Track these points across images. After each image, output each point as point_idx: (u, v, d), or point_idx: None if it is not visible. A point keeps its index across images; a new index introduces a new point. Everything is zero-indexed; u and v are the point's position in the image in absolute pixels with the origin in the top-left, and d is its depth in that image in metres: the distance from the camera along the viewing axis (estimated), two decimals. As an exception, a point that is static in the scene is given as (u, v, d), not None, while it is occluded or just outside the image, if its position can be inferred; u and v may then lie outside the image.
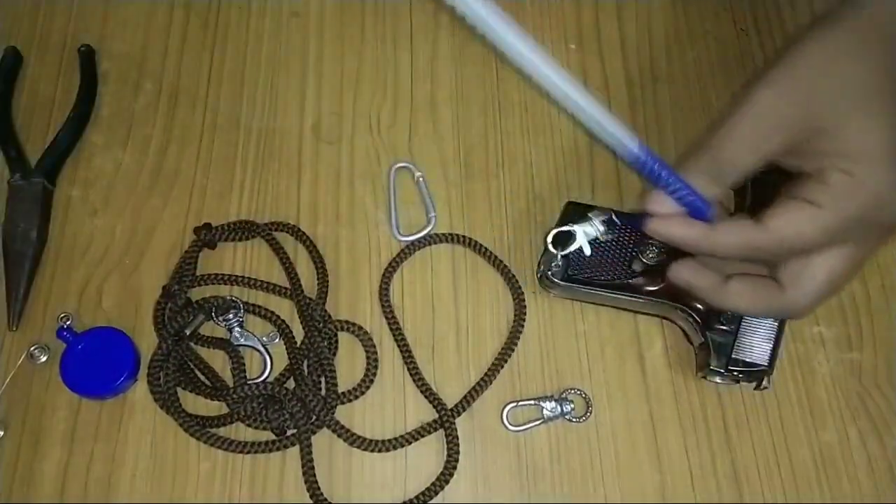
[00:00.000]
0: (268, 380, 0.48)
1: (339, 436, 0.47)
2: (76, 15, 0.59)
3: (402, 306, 0.51)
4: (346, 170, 0.55)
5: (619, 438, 0.48)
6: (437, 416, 0.48)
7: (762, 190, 0.43)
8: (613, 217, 0.46)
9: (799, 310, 0.42)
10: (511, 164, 0.55)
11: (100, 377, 0.47)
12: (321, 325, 0.49)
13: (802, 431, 0.49)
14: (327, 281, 0.51)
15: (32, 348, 0.48)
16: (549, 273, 0.48)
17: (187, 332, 0.48)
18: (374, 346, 0.49)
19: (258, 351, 0.49)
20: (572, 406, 0.48)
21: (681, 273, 0.45)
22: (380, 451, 0.47)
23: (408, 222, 0.53)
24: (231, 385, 0.48)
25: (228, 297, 0.50)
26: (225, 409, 0.47)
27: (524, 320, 0.50)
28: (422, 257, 0.52)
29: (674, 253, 0.45)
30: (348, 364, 0.49)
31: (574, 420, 0.48)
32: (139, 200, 0.53)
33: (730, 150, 0.39)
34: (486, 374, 0.49)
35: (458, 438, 0.47)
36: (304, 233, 0.52)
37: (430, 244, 0.52)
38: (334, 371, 0.48)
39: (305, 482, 0.46)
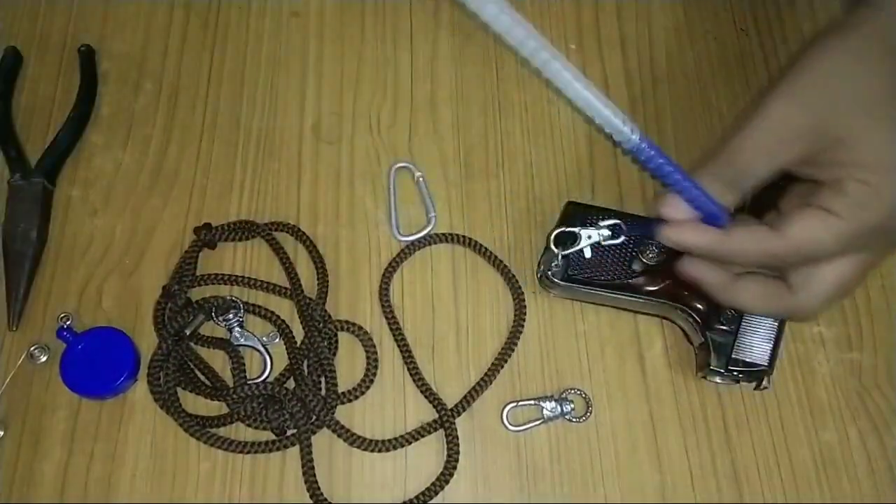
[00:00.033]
0: (268, 380, 0.48)
1: (339, 436, 0.47)
2: (76, 15, 0.59)
3: (402, 306, 0.51)
4: (346, 170, 0.55)
5: (619, 438, 0.48)
6: (437, 416, 0.48)
7: (762, 191, 0.43)
8: (622, 225, 0.46)
9: (807, 313, 0.43)
10: (511, 164, 0.55)
11: (100, 377, 0.47)
12: (321, 325, 0.49)
13: (802, 431, 0.49)
14: (327, 281, 0.51)
15: (32, 348, 0.48)
16: (549, 273, 0.48)
17: (187, 332, 0.48)
18: (374, 346, 0.49)
19: (258, 351, 0.49)
20: (572, 406, 0.48)
21: (691, 268, 0.44)
22: (380, 451, 0.47)
23: (408, 222, 0.53)
24: (231, 385, 0.48)
25: (228, 297, 0.50)
26: (225, 409, 0.47)
27: (524, 320, 0.50)
28: (422, 257, 0.52)
29: (674, 253, 0.45)
30: (348, 364, 0.49)
31: (574, 420, 0.48)
32: (139, 200, 0.53)
33: (746, 159, 0.39)
34: (486, 374, 0.49)
35: (458, 438, 0.47)
36: (304, 233, 0.52)
37: (430, 244, 0.52)
38: (334, 371, 0.48)
39: (305, 482, 0.46)
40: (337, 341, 0.49)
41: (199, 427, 0.46)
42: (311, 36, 0.59)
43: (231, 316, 0.49)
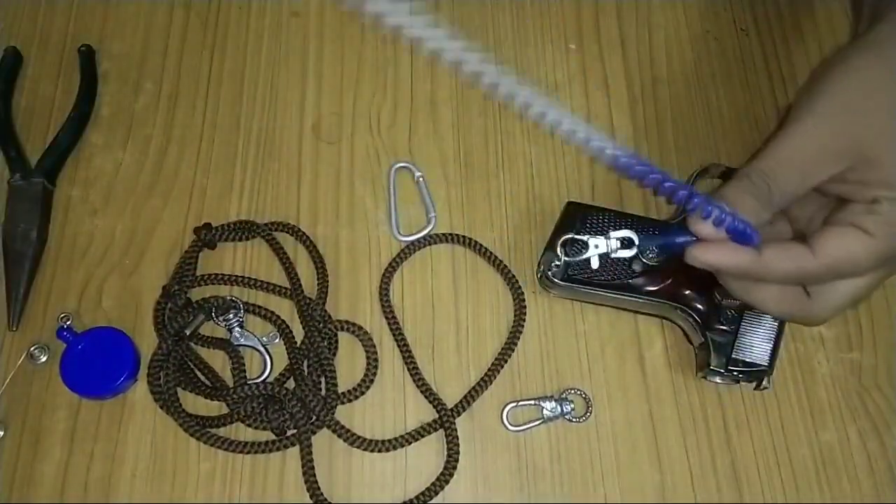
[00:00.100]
0: (268, 380, 0.48)
1: (339, 436, 0.47)
2: (76, 15, 0.59)
3: (402, 306, 0.51)
4: (346, 170, 0.55)
5: (619, 438, 0.48)
6: (437, 416, 0.48)
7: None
8: (633, 238, 0.45)
9: (819, 319, 0.43)
10: (511, 164, 0.55)
11: (100, 377, 0.47)
12: (321, 325, 0.49)
13: (802, 431, 0.49)
14: (327, 281, 0.51)
15: (32, 348, 0.48)
16: (549, 273, 0.48)
17: (187, 332, 0.48)
18: (374, 346, 0.49)
19: (258, 351, 0.49)
20: (572, 406, 0.48)
21: (709, 255, 0.41)
22: (380, 451, 0.47)
23: (408, 222, 0.53)
24: (231, 385, 0.48)
25: (228, 297, 0.50)
26: (225, 409, 0.47)
27: (524, 320, 0.50)
28: (422, 257, 0.52)
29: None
30: (348, 364, 0.49)
31: (574, 420, 0.48)
32: (139, 200, 0.53)
33: (779, 178, 0.39)
34: (486, 374, 0.49)
35: (458, 438, 0.47)
36: (304, 233, 0.52)
37: (430, 244, 0.52)
38: (334, 371, 0.48)
39: (305, 482, 0.46)
40: (337, 341, 0.49)
41: (199, 427, 0.46)
42: (311, 36, 0.59)
43: (231, 316, 0.49)
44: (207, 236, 0.51)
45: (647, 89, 0.58)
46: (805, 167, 0.39)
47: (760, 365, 0.46)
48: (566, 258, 0.47)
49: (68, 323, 0.49)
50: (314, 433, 0.47)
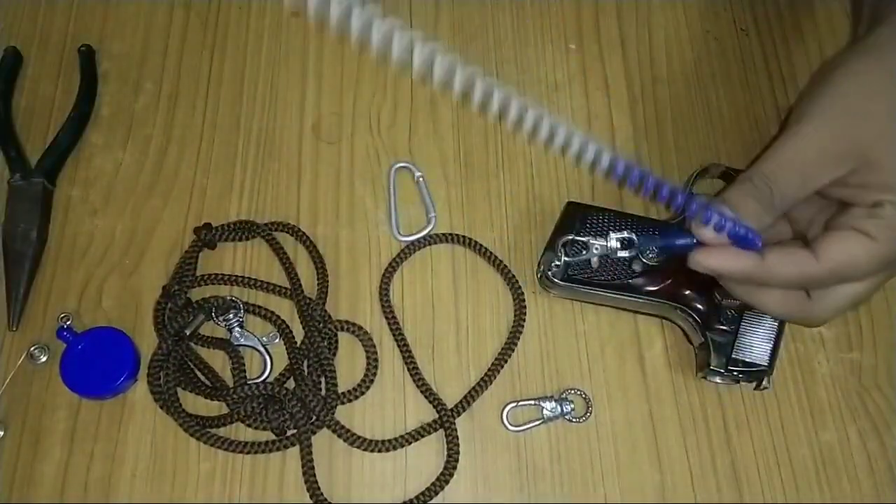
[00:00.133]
0: (268, 380, 0.48)
1: (339, 436, 0.47)
2: (76, 15, 0.59)
3: (402, 306, 0.51)
4: (346, 170, 0.55)
5: (619, 438, 0.48)
6: (437, 416, 0.48)
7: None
8: (634, 239, 0.45)
9: (819, 321, 0.43)
10: (511, 164, 0.55)
11: (100, 377, 0.47)
12: (321, 325, 0.49)
13: (802, 431, 0.49)
14: (327, 281, 0.51)
15: (32, 348, 0.48)
16: (549, 273, 0.48)
17: (187, 332, 0.48)
18: (374, 346, 0.49)
19: (258, 351, 0.49)
20: (572, 406, 0.48)
21: (711, 260, 0.41)
22: (380, 451, 0.47)
23: (408, 222, 0.53)
24: (231, 385, 0.48)
25: (228, 297, 0.50)
26: (225, 409, 0.47)
27: (524, 320, 0.50)
28: (422, 257, 0.52)
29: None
30: (348, 364, 0.49)
31: (574, 420, 0.48)
32: (139, 200, 0.53)
33: (781, 182, 0.39)
34: (486, 374, 0.49)
35: (458, 438, 0.47)
36: (304, 233, 0.52)
37: (430, 244, 0.52)
38: (334, 371, 0.48)
39: (305, 482, 0.46)
40: (337, 341, 0.49)
41: (199, 427, 0.46)
42: (311, 36, 0.59)
43: (231, 316, 0.49)
44: (207, 236, 0.51)
45: (647, 89, 0.58)
46: (806, 170, 0.39)
47: (760, 365, 0.46)
48: (566, 258, 0.47)
49: (68, 323, 0.49)
50: (314, 433, 0.47)
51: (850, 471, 0.48)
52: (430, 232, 0.52)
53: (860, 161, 0.38)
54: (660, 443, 0.48)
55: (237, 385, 0.47)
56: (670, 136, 0.56)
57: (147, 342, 0.49)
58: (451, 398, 0.48)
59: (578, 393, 0.49)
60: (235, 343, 0.49)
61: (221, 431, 0.47)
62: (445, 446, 0.47)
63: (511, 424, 0.48)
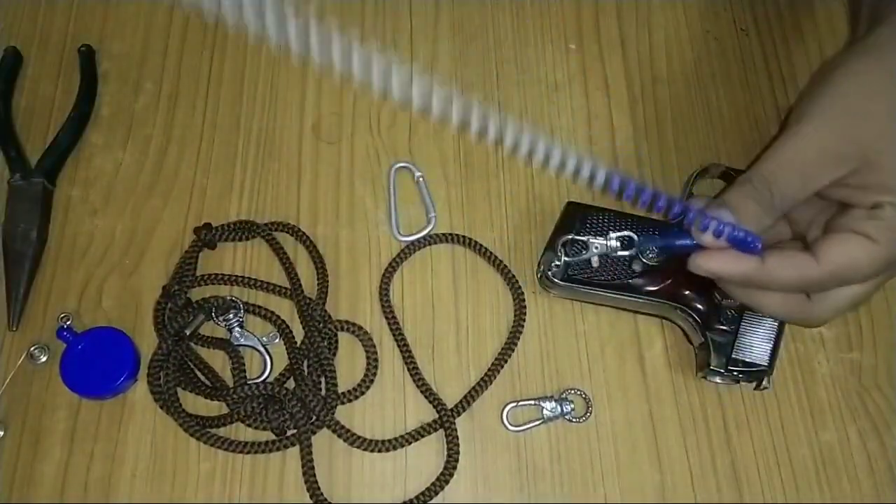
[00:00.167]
0: (268, 380, 0.48)
1: (339, 436, 0.47)
2: (76, 15, 0.59)
3: (402, 306, 0.51)
4: (346, 170, 0.55)
5: (619, 438, 0.48)
6: (437, 416, 0.48)
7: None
8: (633, 238, 0.45)
9: (819, 322, 0.43)
10: (511, 164, 0.55)
11: (100, 377, 0.47)
12: (321, 325, 0.49)
13: (802, 431, 0.49)
14: (327, 281, 0.51)
15: (32, 348, 0.48)
16: (549, 273, 0.48)
17: (187, 332, 0.48)
18: (374, 346, 0.49)
19: (258, 351, 0.49)
20: (572, 406, 0.48)
21: (711, 263, 0.41)
22: (380, 451, 0.47)
23: (408, 222, 0.53)
24: (231, 385, 0.48)
25: (228, 297, 0.50)
26: (225, 409, 0.47)
27: (524, 320, 0.50)
28: (422, 257, 0.52)
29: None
30: (348, 364, 0.49)
31: (574, 420, 0.48)
32: (139, 200, 0.53)
33: (781, 183, 0.39)
34: (486, 374, 0.49)
35: (458, 438, 0.47)
36: (304, 233, 0.52)
37: (430, 244, 0.52)
38: (334, 371, 0.48)
39: (305, 482, 0.46)
40: (337, 341, 0.49)
41: (199, 427, 0.46)
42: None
43: (231, 316, 0.49)
44: (207, 236, 0.51)
45: (647, 89, 0.58)
46: (807, 171, 0.39)
47: (760, 365, 0.46)
48: (566, 258, 0.47)
49: (68, 323, 0.49)
50: (314, 433, 0.47)
51: (850, 471, 0.48)
52: (430, 232, 0.52)
53: (860, 162, 0.38)
54: (660, 443, 0.48)
55: (237, 385, 0.47)
56: (670, 136, 0.56)
57: (147, 342, 0.49)
58: (451, 398, 0.48)
59: (578, 393, 0.49)
60: (235, 343, 0.49)
61: (221, 431, 0.47)
62: (445, 446, 0.47)
63: (511, 424, 0.48)
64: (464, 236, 0.52)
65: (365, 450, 0.47)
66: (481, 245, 0.52)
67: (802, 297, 0.42)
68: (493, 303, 0.51)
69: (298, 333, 0.49)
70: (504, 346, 0.50)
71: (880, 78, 0.39)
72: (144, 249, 0.52)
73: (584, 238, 0.47)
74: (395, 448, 0.47)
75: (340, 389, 0.48)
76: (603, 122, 0.57)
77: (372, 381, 0.48)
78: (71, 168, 0.54)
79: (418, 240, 0.52)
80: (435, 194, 0.54)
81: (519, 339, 0.50)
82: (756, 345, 0.47)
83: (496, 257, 0.52)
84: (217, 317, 0.49)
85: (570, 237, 0.47)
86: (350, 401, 0.48)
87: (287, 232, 0.52)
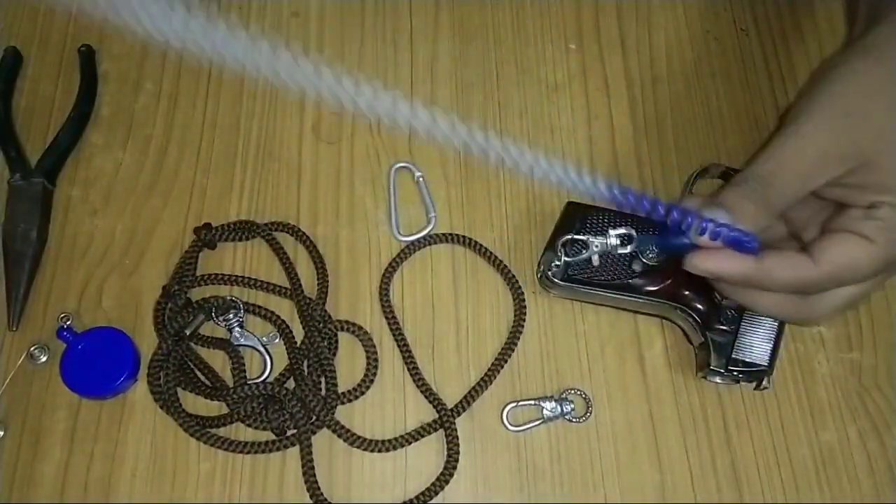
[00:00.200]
0: (268, 380, 0.48)
1: (339, 436, 0.47)
2: (76, 15, 0.59)
3: (402, 306, 0.51)
4: (346, 170, 0.55)
5: (619, 438, 0.48)
6: (437, 416, 0.48)
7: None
8: (633, 235, 0.45)
9: (814, 321, 0.43)
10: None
11: (100, 377, 0.47)
12: (321, 325, 0.49)
13: (802, 431, 0.49)
14: (327, 281, 0.51)
15: (32, 348, 0.48)
16: (549, 273, 0.48)
17: (187, 332, 0.48)
18: (374, 346, 0.49)
19: (258, 351, 0.49)
20: (572, 406, 0.48)
21: (707, 262, 0.41)
22: (380, 451, 0.47)
23: (408, 222, 0.53)
24: (231, 385, 0.48)
25: (228, 297, 0.50)
26: (225, 409, 0.47)
27: (524, 320, 0.50)
28: (422, 257, 0.52)
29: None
30: (348, 364, 0.49)
31: (574, 420, 0.48)
32: (139, 200, 0.53)
33: (779, 181, 0.38)
34: (486, 374, 0.49)
35: (458, 438, 0.47)
36: (304, 233, 0.52)
37: (430, 244, 0.52)
38: (334, 371, 0.48)
39: (305, 482, 0.46)
40: (337, 341, 0.49)
41: (199, 427, 0.46)
42: (311, 36, 0.59)
43: (231, 316, 0.49)
44: (207, 236, 0.51)
45: (647, 89, 0.58)
46: (804, 170, 0.38)
47: (760, 365, 0.46)
48: (566, 258, 0.47)
49: (68, 323, 0.49)
50: (314, 433, 0.47)
51: (850, 471, 0.48)
52: (430, 232, 0.52)
53: (858, 161, 0.38)
54: (660, 443, 0.48)
55: (237, 385, 0.47)
56: (670, 136, 0.56)
57: (147, 342, 0.49)
58: (451, 398, 0.48)
59: (578, 393, 0.49)
60: (235, 343, 0.49)
61: (221, 431, 0.47)
62: (445, 446, 0.47)
63: (511, 424, 0.48)
64: (464, 236, 0.52)
65: (365, 450, 0.47)
66: (481, 245, 0.52)
67: (799, 296, 0.42)
68: (493, 303, 0.51)
69: (298, 333, 0.49)
70: (504, 346, 0.50)
71: (879, 77, 0.39)
72: (144, 249, 0.52)
73: (583, 237, 0.47)
74: (395, 448, 0.47)
75: (340, 389, 0.48)
76: (603, 122, 0.57)
77: (372, 381, 0.48)
78: (71, 168, 0.54)
79: (418, 240, 0.52)
80: (435, 194, 0.54)
81: (519, 339, 0.50)
82: (756, 345, 0.47)
83: (496, 257, 0.52)
84: (217, 317, 0.49)
85: (569, 237, 0.47)
86: (350, 401, 0.48)
87: (287, 232, 0.52)
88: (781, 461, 0.48)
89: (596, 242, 0.46)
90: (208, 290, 0.51)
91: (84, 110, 0.55)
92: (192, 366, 0.49)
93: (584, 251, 0.47)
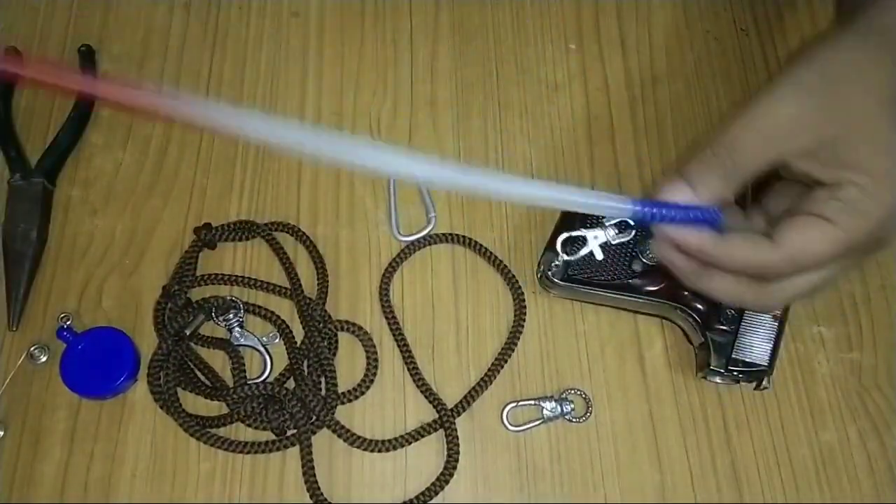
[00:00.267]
0: (268, 380, 0.48)
1: (339, 436, 0.47)
2: (76, 15, 0.59)
3: (402, 306, 0.51)
4: (346, 170, 0.55)
5: (619, 438, 0.48)
6: (437, 416, 0.48)
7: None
8: (628, 220, 0.45)
9: (772, 307, 0.42)
10: (511, 164, 0.55)
11: (100, 377, 0.47)
12: (321, 325, 0.49)
13: (802, 431, 0.49)
14: (327, 281, 0.51)
15: (32, 348, 0.48)
16: (549, 273, 0.48)
17: (187, 332, 0.48)
18: (374, 346, 0.49)
19: (258, 351, 0.49)
20: (572, 406, 0.48)
21: (663, 251, 0.41)
22: (380, 451, 0.47)
23: (408, 222, 0.53)
24: (231, 385, 0.48)
25: (228, 297, 0.50)
26: (225, 409, 0.47)
27: (524, 320, 0.50)
28: (422, 257, 0.52)
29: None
30: (348, 364, 0.49)
31: (574, 420, 0.48)
32: (139, 200, 0.53)
33: (746, 147, 0.37)
34: (486, 374, 0.49)
35: (458, 438, 0.47)
36: (304, 233, 0.52)
37: (430, 244, 0.52)
38: (334, 371, 0.48)
39: (305, 482, 0.46)
40: (337, 341, 0.49)
41: (199, 427, 0.46)
42: (311, 36, 0.59)
43: (231, 316, 0.49)
44: (207, 236, 0.51)
45: (647, 89, 0.58)
46: (774, 136, 0.37)
47: (760, 365, 0.46)
48: (566, 256, 0.47)
49: (68, 323, 0.49)
50: (314, 433, 0.47)
51: (850, 471, 0.48)
52: (430, 232, 0.52)
53: (830, 134, 0.36)
54: (660, 443, 0.48)
55: (237, 385, 0.47)
56: (670, 136, 0.56)
57: (147, 342, 0.49)
58: (451, 398, 0.48)
59: (578, 393, 0.49)
60: (235, 343, 0.49)
61: (221, 431, 0.47)
62: (445, 446, 0.47)
63: (511, 424, 0.48)
64: (464, 236, 0.52)
65: (365, 450, 0.47)
66: (481, 245, 0.52)
67: (759, 282, 0.40)
68: (493, 303, 0.51)
69: (298, 333, 0.50)
70: (504, 346, 0.50)
71: (864, 56, 0.37)
72: (144, 249, 0.52)
73: (581, 232, 0.47)
74: (395, 448, 0.47)
75: (340, 389, 0.48)
76: (603, 122, 0.57)
77: (372, 381, 0.48)
78: (71, 168, 0.54)
79: (418, 240, 0.52)
80: (435, 194, 0.54)
81: (519, 339, 0.50)
82: (756, 345, 0.47)
83: (496, 257, 0.52)
84: (217, 317, 0.49)
85: (569, 236, 0.47)
86: (350, 401, 0.48)
87: (287, 232, 0.52)
88: (781, 461, 0.48)
89: (594, 234, 0.46)
90: (208, 290, 0.51)
91: (84, 110, 0.55)
92: (192, 366, 0.49)
93: (583, 247, 0.47)
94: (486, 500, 0.47)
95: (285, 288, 0.51)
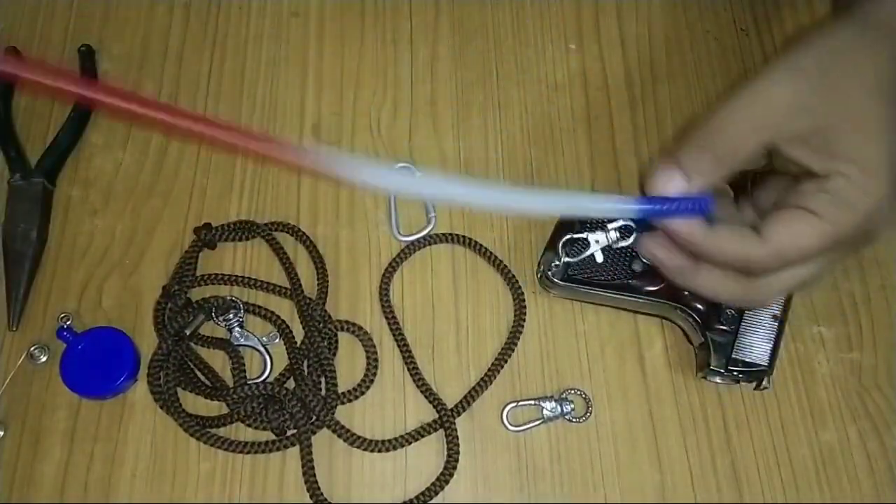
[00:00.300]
0: (268, 380, 0.48)
1: (339, 436, 0.47)
2: (76, 15, 0.59)
3: (402, 306, 0.51)
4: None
5: (619, 438, 0.48)
6: (437, 416, 0.48)
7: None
8: (631, 224, 0.45)
9: (760, 303, 0.42)
10: (511, 164, 0.55)
11: (100, 377, 0.47)
12: (321, 325, 0.49)
13: (802, 431, 0.49)
14: (327, 281, 0.51)
15: (32, 348, 0.48)
16: (549, 273, 0.48)
17: (187, 332, 0.48)
18: (374, 346, 0.49)
19: (258, 351, 0.49)
20: (572, 406, 0.48)
21: (651, 247, 0.42)
22: (380, 451, 0.47)
23: (408, 222, 0.53)
24: (231, 385, 0.48)
25: (228, 297, 0.50)
26: (225, 409, 0.47)
27: (524, 320, 0.50)
28: (422, 257, 0.52)
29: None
30: (348, 364, 0.49)
31: (574, 420, 0.48)
32: (139, 200, 0.53)
33: (738, 131, 0.37)
34: (486, 374, 0.49)
35: (458, 438, 0.47)
36: (304, 233, 0.52)
37: (430, 244, 0.52)
38: (334, 371, 0.48)
39: (305, 482, 0.46)
40: (337, 341, 0.49)
41: (199, 427, 0.46)
42: (311, 36, 0.59)
43: (231, 316, 0.49)
44: (207, 236, 0.51)
45: (647, 89, 0.58)
46: (765, 120, 0.36)
47: (760, 365, 0.46)
48: (567, 258, 0.47)
49: (68, 323, 0.49)
50: (314, 433, 0.47)
51: (850, 471, 0.48)
52: (430, 232, 0.52)
53: (822, 122, 0.36)
54: (660, 443, 0.48)
55: (237, 385, 0.47)
56: (670, 137, 0.56)
57: (147, 342, 0.49)
58: (451, 398, 0.48)
59: (578, 393, 0.49)
60: (235, 343, 0.49)
61: (221, 431, 0.47)
62: (445, 446, 0.47)
63: (511, 424, 0.48)
64: (464, 236, 0.52)
65: (365, 450, 0.47)
66: (481, 245, 0.52)
67: (746, 277, 0.40)
68: (493, 303, 0.51)
69: (298, 333, 0.49)
70: (504, 346, 0.50)
71: (862, 47, 0.37)
72: (144, 249, 0.52)
73: (583, 235, 0.47)
74: (395, 448, 0.47)
75: (340, 389, 0.48)
76: (603, 122, 0.57)
77: (372, 381, 0.48)
78: (71, 168, 0.54)
79: (418, 240, 0.52)
80: (435, 194, 0.54)
81: (519, 339, 0.50)
82: (756, 345, 0.47)
83: (496, 257, 0.52)
84: (217, 317, 0.49)
85: (570, 237, 0.47)
86: (350, 401, 0.48)
87: (287, 232, 0.52)
88: (781, 461, 0.48)
89: (596, 237, 0.46)
90: (208, 290, 0.51)
91: (84, 110, 0.55)
92: (192, 366, 0.49)
93: (584, 250, 0.47)
94: (486, 500, 0.47)
95: (285, 288, 0.51)
